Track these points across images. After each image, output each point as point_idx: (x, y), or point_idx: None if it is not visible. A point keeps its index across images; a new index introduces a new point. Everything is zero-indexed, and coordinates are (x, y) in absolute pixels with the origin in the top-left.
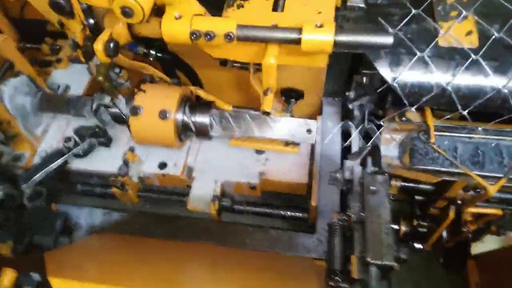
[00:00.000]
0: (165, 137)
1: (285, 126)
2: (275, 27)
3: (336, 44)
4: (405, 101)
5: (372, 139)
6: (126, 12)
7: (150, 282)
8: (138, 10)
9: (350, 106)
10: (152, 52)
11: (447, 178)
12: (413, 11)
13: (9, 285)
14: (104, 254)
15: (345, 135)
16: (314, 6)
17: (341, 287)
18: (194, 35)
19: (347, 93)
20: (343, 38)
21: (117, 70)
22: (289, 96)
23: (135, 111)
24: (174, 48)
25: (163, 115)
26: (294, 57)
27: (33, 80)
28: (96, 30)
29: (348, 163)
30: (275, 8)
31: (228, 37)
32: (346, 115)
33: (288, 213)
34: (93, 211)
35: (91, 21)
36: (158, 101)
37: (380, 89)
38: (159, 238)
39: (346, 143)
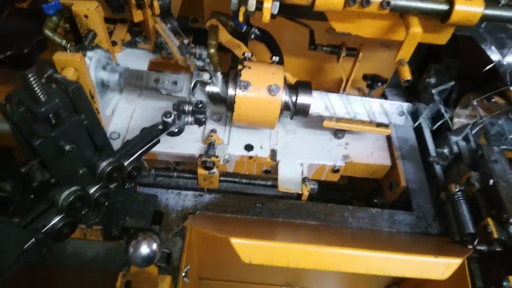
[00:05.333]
0: (269, 115)
1: (379, 108)
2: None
3: (482, 16)
4: (508, 80)
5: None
6: None
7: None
8: None
9: (433, 91)
10: (256, 30)
11: None
12: None
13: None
14: (231, 225)
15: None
16: None
17: (478, 250)
18: (353, 1)
19: (427, 80)
20: (491, 11)
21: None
22: (373, 81)
23: (245, 86)
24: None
25: (273, 90)
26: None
27: (110, 55)
28: None
29: (453, 138)
30: None
31: (386, 3)
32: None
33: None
34: (182, 193)
35: None
36: (266, 77)
37: (485, 69)
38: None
39: (415, 124)
